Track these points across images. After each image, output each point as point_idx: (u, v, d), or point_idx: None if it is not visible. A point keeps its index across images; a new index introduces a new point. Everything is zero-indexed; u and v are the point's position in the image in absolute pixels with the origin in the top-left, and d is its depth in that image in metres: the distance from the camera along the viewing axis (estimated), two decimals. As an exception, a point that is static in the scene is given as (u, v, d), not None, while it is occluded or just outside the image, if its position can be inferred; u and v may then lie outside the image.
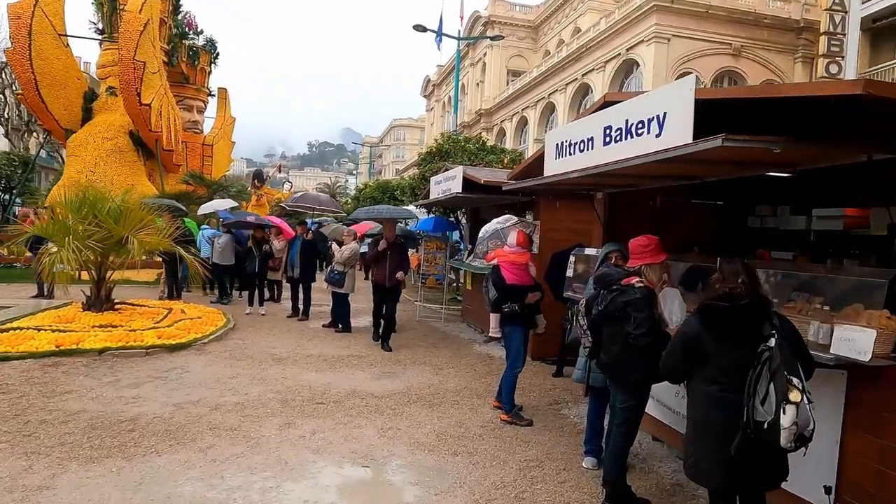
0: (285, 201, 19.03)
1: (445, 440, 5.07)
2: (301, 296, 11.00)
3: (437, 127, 55.79)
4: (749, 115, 3.58)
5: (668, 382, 3.70)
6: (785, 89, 2.83)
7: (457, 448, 4.89)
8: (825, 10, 18.63)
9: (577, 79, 33.62)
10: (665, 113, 3.77)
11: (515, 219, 5.71)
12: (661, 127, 3.81)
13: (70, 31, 22.06)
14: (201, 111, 30.49)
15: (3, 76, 31.01)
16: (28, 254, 12.16)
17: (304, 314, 10.89)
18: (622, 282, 3.67)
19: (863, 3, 17.64)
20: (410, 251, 12.00)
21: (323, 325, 10.18)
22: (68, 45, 21.77)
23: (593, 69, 31.65)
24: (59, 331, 7.58)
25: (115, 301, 9.28)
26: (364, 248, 11.06)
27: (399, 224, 11.44)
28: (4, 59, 25.33)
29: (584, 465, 4.64)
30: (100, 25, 24.00)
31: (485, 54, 47.02)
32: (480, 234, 5.83)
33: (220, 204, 13.94)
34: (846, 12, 18.05)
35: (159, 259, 11.87)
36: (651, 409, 4.73)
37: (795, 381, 2.66)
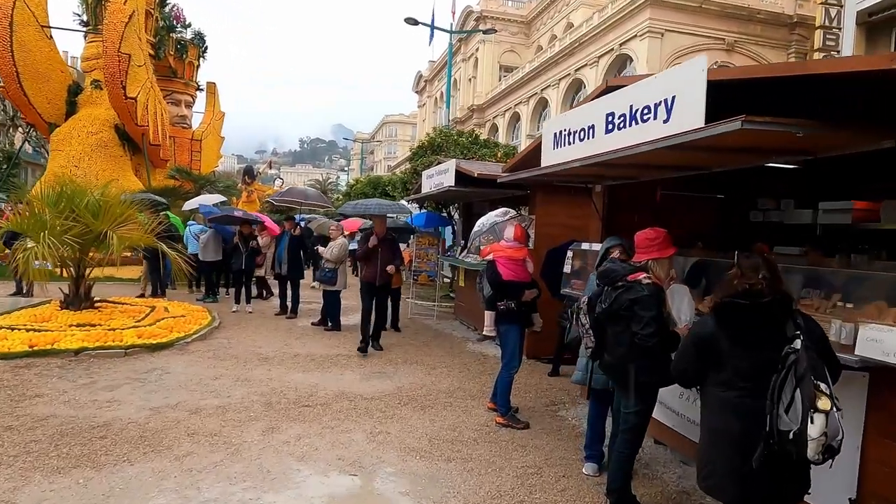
0: (271, 196, 18.66)
1: (438, 445, 4.80)
2: (289, 293, 10.70)
3: (429, 123, 55.43)
4: (756, 99, 3.32)
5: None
6: (812, 66, 2.58)
7: (450, 454, 4.63)
8: (820, 3, 18.45)
9: (569, 74, 33.41)
10: (674, 97, 3.52)
11: (512, 212, 5.45)
12: (669, 112, 3.56)
13: (53, 22, 21.55)
14: (189, 106, 29.97)
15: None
16: (7, 251, 11.77)
17: (293, 312, 10.59)
18: (628, 278, 3.41)
19: (858, -4, 17.50)
20: (403, 246, 11.69)
21: (312, 323, 9.90)
22: (51, 36, 21.24)
23: (586, 64, 31.45)
24: (34, 330, 7.26)
25: (95, 299, 8.95)
26: (354, 245, 10.76)
27: (391, 217, 11.06)
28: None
29: (584, 471, 4.40)
30: (84, 17, 23.43)
31: (477, 49, 46.74)
32: (475, 229, 5.57)
33: (207, 199, 13.56)
34: (841, 6, 17.86)
35: (140, 256, 11.47)
36: (654, 411, 4.49)
37: (823, 386, 2.42)
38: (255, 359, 7.29)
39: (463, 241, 12.20)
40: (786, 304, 2.59)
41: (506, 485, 4.13)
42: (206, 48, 30.09)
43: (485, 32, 30.61)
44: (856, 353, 2.93)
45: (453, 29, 32.31)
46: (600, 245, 5.90)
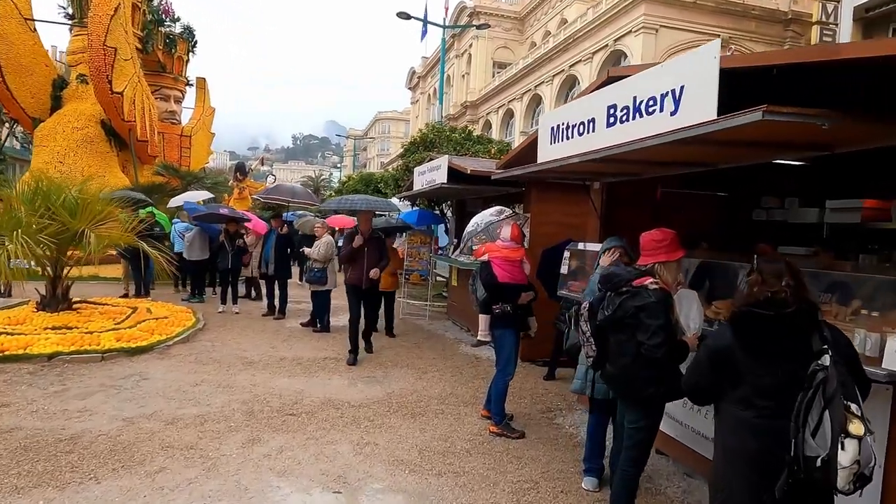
0: (258, 193, 18.27)
1: (429, 457, 4.54)
2: (277, 293, 10.40)
3: (423, 119, 55.10)
4: (764, 90, 3.06)
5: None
6: (845, 50, 2.32)
7: (441, 467, 4.37)
8: (817, -1, 18.29)
9: (563, 70, 33.19)
10: (682, 86, 3.26)
11: (508, 211, 5.18)
12: (677, 103, 3.30)
13: (38, 15, 21.11)
14: (179, 101, 29.50)
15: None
16: None
17: (281, 312, 10.29)
18: (633, 283, 3.15)
19: (855, -9, 17.32)
20: (397, 243, 11.39)
21: (301, 324, 9.61)
22: (35, 29, 20.77)
23: (580, 60, 31.23)
24: (6, 333, 6.92)
25: (74, 300, 8.61)
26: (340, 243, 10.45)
27: (382, 216, 10.73)
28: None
29: (583, 486, 4.15)
30: (69, 10, 22.94)
31: (470, 46, 46.43)
32: (468, 228, 5.30)
33: (193, 195, 13.19)
34: (838, 1, 17.69)
35: (116, 254, 11.06)
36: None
37: (854, 408, 2.17)
38: (238, 363, 7.00)
39: (456, 240, 11.92)
40: (812, 315, 2.34)
41: (501, 502, 3.87)
42: (196, 42, 29.62)
43: (478, 28, 30.30)
44: (883, 366, 2.69)
45: (446, 25, 31.97)
46: (597, 244, 5.68)
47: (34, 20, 20.73)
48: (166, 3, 27.76)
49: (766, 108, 2.38)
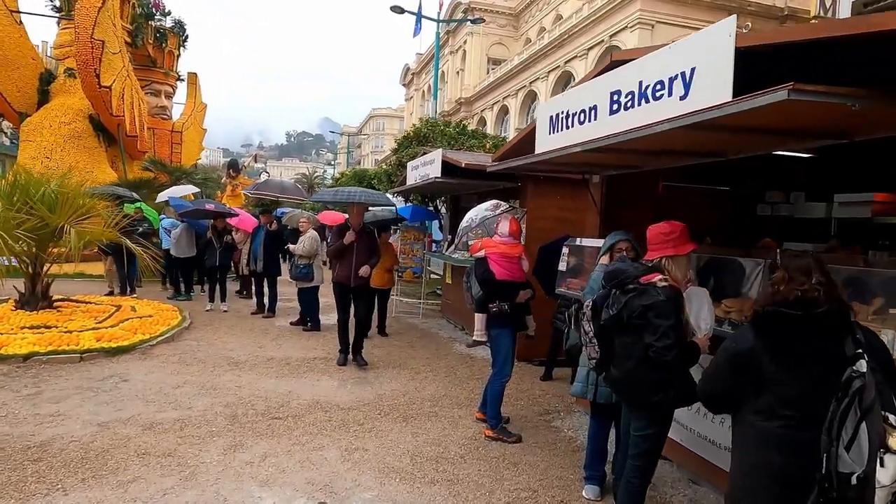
0: (247, 188, 17.94)
1: (421, 464, 4.30)
2: (266, 291, 10.13)
3: (417, 116, 54.77)
4: (775, 72, 2.83)
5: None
6: (878, 21, 2.08)
7: (434, 475, 4.13)
8: (814, -6, 18.11)
9: (559, 66, 32.97)
10: (693, 69, 3.02)
11: (504, 205, 4.94)
12: (687, 87, 3.07)
13: (24, 7, 20.69)
14: (170, 96, 29.06)
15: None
16: None
17: (270, 310, 10.02)
18: (641, 280, 2.92)
19: (853, -13, 17.16)
20: (392, 238, 11.10)
21: (291, 323, 9.34)
22: (21, 22, 20.37)
23: (576, 56, 31.03)
24: (-19, 333, 6.65)
25: (55, 298, 8.32)
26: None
27: (373, 209, 10.39)
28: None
29: (584, 494, 3.92)
30: (57, 2, 22.54)
31: (465, 42, 46.15)
32: (463, 223, 5.06)
33: (179, 190, 12.87)
34: (836, -3, 17.57)
35: (95, 251, 10.73)
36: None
37: (893, 419, 1.95)
38: (224, 363, 6.73)
39: (450, 236, 11.68)
40: (844, 316, 2.11)
41: (497, 513, 3.65)
42: (187, 37, 29.20)
43: (473, 22, 30.04)
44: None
45: (440, 19, 31.66)
46: (597, 240, 5.45)
47: (20, 12, 20.32)
48: (157, -4, 27.36)
49: (792, 85, 2.15)
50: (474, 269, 4.96)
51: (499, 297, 4.72)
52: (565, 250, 5.67)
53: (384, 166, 24.60)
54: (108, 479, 3.77)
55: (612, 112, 3.74)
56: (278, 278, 10.23)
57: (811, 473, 2.01)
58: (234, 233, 10.35)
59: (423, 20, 26.78)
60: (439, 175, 8.64)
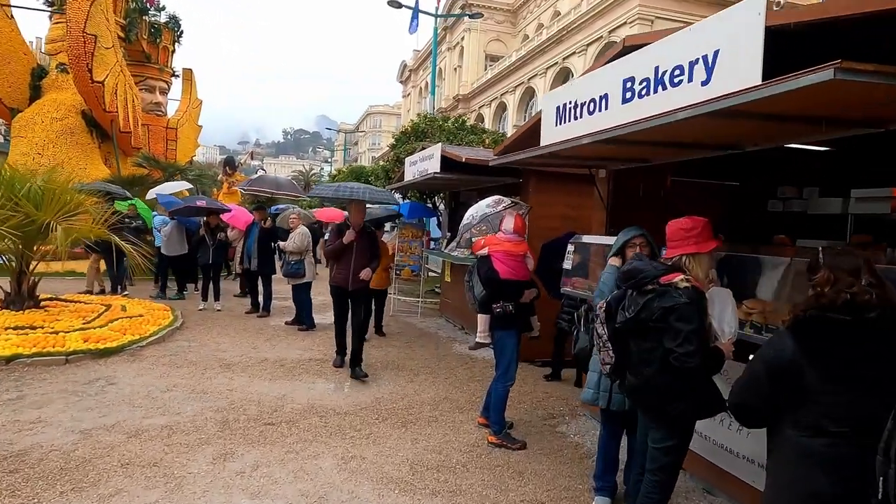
0: (240, 184, 17.65)
1: (421, 473, 4.08)
2: (261, 289, 9.89)
3: (414, 113, 54.53)
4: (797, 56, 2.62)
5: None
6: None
7: (436, 485, 3.91)
8: (817, -12, 17.95)
9: (557, 63, 32.75)
10: (716, 51, 2.80)
11: (507, 201, 4.70)
12: (709, 71, 2.85)
13: (15, 1, 20.34)
14: (164, 92, 28.73)
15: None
16: None
17: (265, 310, 9.78)
18: (661, 280, 2.69)
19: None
20: (387, 237, 10.87)
21: (286, 323, 9.10)
22: (12, 16, 20.05)
23: (574, 52, 30.81)
24: (-37, 335, 6.39)
25: (41, 297, 8.06)
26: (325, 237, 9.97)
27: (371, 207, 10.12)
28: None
29: (594, 506, 3.70)
30: (49, -3, 22.22)
31: (462, 38, 45.90)
32: (465, 220, 4.82)
33: (169, 187, 12.58)
34: (839, -9, 17.40)
35: (82, 248, 10.44)
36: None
37: (959, 436, 1.73)
38: (216, 365, 6.50)
39: (449, 234, 11.45)
40: (898, 320, 1.89)
41: (503, 528, 3.43)
42: (182, 32, 28.87)
43: (471, 17, 29.75)
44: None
45: (438, 19, 31.38)
46: (603, 238, 5.23)
47: (11, 6, 19.99)
48: (151, -9, 27.00)
49: (839, 63, 1.92)
50: (477, 267, 4.72)
51: (503, 297, 4.49)
52: (570, 248, 5.44)
53: (381, 163, 24.35)
54: (89, 491, 3.53)
55: (624, 101, 3.51)
56: (273, 277, 9.99)
57: (864, 499, 1.79)
58: (228, 230, 10.10)
59: (420, 16, 26.46)
60: (438, 170, 8.40)
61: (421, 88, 58.05)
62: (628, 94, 3.47)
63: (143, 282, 12.04)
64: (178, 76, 29.74)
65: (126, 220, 10.12)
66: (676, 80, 3.05)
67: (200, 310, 9.77)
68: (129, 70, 22.54)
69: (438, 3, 38.47)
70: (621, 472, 3.86)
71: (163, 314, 8.51)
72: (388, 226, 12.03)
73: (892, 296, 1.92)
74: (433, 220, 14.68)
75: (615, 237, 4.81)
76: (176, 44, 28.62)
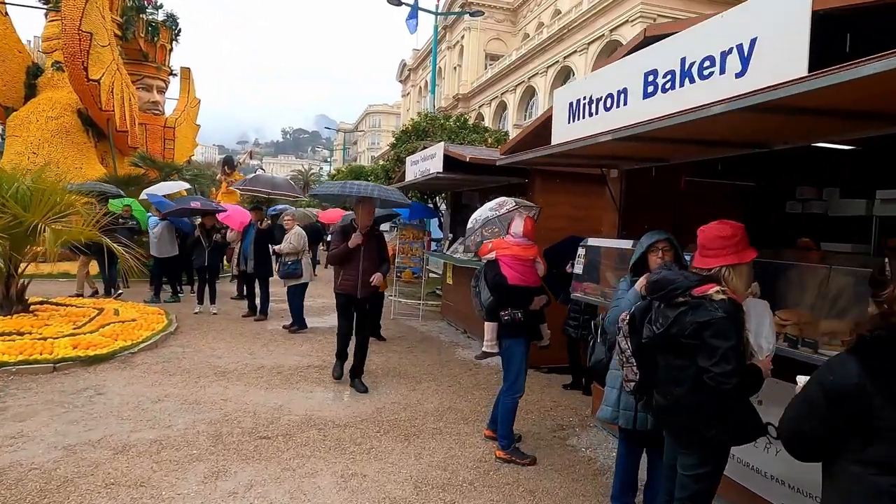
0: (236, 184, 17.37)
1: (426, 493, 3.83)
2: (258, 292, 9.63)
3: (414, 112, 54.28)
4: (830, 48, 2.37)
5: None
6: None
7: (442, 506, 3.66)
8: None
9: (558, 61, 32.51)
10: (754, 39, 2.55)
11: (511, 203, 4.43)
12: (745, 61, 2.60)
13: (10, -1, 20.09)
14: (162, 91, 28.45)
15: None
16: None
17: (262, 313, 9.52)
18: (693, 292, 2.44)
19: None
20: (386, 238, 10.61)
21: (284, 327, 8.84)
22: (7, 14, 19.79)
23: (575, 51, 30.57)
24: (-54, 341, 6.13)
25: (31, 300, 7.80)
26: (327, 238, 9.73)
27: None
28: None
29: (612, 530, 3.45)
30: (44, -7, 21.93)
31: (462, 37, 45.65)
32: (471, 223, 4.56)
33: (166, 187, 12.32)
34: (845, -12, 17.16)
35: (69, 250, 10.15)
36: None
37: None
38: (210, 373, 6.24)
39: (451, 235, 11.20)
40: None
41: (515, 556, 3.18)
42: (180, 31, 28.58)
43: (472, 15, 29.47)
44: None
45: (438, 18, 31.13)
46: (615, 241, 4.98)
47: (5, 3, 19.73)
48: (148, -11, 26.72)
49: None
50: (484, 272, 4.46)
51: (511, 303, 4.24)
52: (581, 251, 5.19)
53: (381, 162, 24.09)
54: (69, 516, 3.28)
55: (646, 95, 3.26)
56: (270, 279, 9.73)
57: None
58: (227, 230, 9.85)
59: (420, 15, 26.18)
60: (441, 170, 8.15)
61: (420, 87, 57.80)
62: (650, 89, 3.22)
63: (138, 284, 11.77)
64: (175, 75, 29.47)
65: (120, 220, 9.86)
66: (706, 72, 2.81)
67: (196, 313, 9.52)
68: (126, 68, 22.26)
69: (438, 1, 38.27)
70: (642, 493, 3.62)
71: (156, 318, 8.25)
72: (386, 226, 11.78)
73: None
74: (434, 221, 14.43)
75: (626, 240, 4.58)
76: (174, 42, 28.33)
